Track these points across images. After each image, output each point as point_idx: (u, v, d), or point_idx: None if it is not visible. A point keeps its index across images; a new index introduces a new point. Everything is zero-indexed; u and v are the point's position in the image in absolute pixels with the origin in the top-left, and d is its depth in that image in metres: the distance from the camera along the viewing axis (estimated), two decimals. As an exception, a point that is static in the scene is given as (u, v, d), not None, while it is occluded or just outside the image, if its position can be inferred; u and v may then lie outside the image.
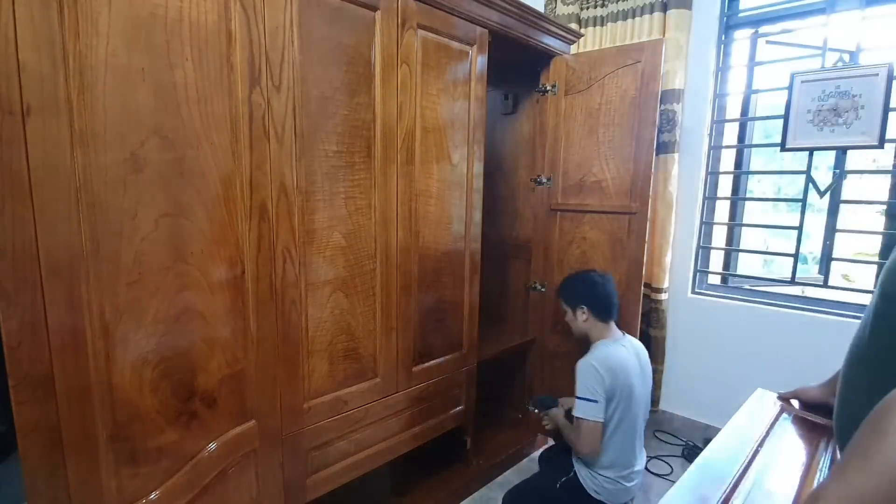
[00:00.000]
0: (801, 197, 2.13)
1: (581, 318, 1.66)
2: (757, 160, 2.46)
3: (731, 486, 0.76)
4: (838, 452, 0.71)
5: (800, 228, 2.11)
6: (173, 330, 1.06)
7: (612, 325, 1.66)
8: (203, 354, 1.12)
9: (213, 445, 1.15)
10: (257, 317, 1.21)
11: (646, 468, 2.23)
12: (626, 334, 1.69)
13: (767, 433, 0.92)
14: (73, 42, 0.86)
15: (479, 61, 1.73)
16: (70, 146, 0.87)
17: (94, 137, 0.90)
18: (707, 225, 2.46)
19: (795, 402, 1.05)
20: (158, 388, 1.05)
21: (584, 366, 1.55)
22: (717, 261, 2.54)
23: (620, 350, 1.58)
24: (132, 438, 1.02)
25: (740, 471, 0.80)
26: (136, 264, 0.98)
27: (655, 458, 2.32)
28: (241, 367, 1.19)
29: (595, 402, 1.49)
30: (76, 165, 0.88)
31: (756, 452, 0.85)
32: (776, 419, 0.98)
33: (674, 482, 0.93)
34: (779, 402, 1.05)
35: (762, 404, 1.06)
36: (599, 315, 1.64)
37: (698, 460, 0.85)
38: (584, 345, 1.69)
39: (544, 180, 2.19)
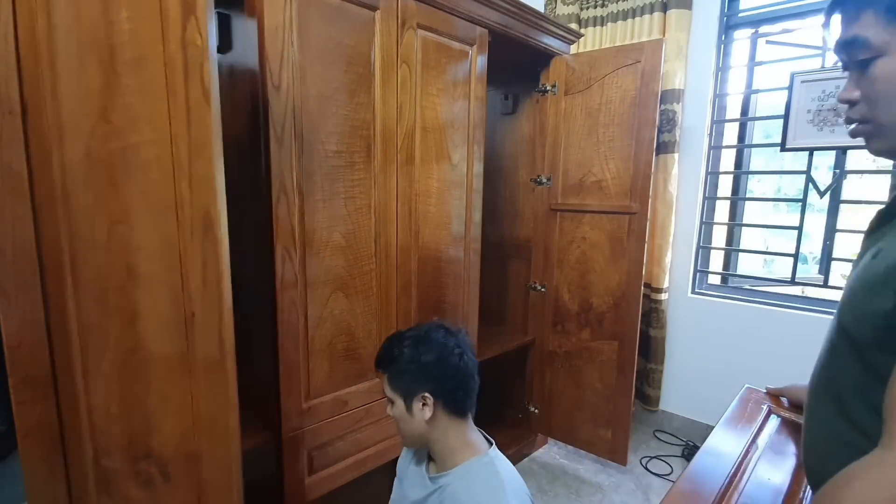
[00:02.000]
0: (801, 197, 2.13)
1: (420, 415, 0.98)
2: (757, 160, 2.46)
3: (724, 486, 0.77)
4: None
5: (800, 228, 2.11)
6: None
7: (470, 421, 1.04)
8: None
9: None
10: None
11: (645, 468, 2.23)
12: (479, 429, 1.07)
13: (755, 439, 0.92)
14: (46, 26, 0.80)
15: (479, 61, 1.73)
16: (50, 143, 0.84)
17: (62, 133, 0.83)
18: (707, 225, 2.46)
19: (785, 401, 1.05)
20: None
21: None
22: (717, 261, 2.54)
23: (505, 463, 1.01)
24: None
25: (732, 473, 0.81)
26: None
27: (655, 458, 2.32)
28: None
29: None
30: (55, 163, 0.84)
31: (744, 464, 0.85)
32: (764, 422, 0.98)
33: (674, 482, 0.94)
34: (766, 403, 1.05)
35: (751, 405, 1.05)
36: (456, 405, 1.00)
37: (691, 466, 0.86)
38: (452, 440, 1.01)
39: (544, 180, 2.19)
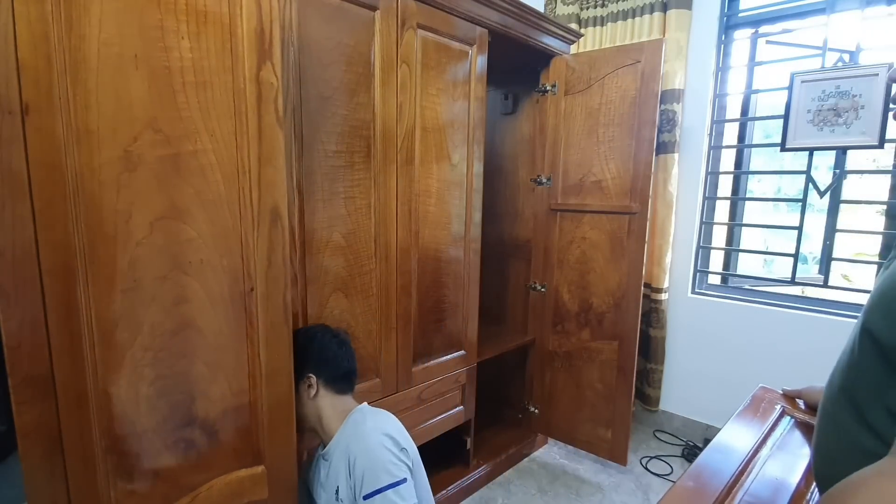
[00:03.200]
0: (801, 197, 2.13)
1: (307, 394, 1.18)
2: (757, 160, 2.46)
3: (727, 487, 0.76)
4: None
5: (800, 228, 2.11)
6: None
7: (351, 398, 1.24)
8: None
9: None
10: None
11: (645, 468, 2.23)
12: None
13: (765, 438, 0.91)
14: (67, 34, 0.82)
15: (479, 61, 1.73)
16: (63, 145, 0.84)
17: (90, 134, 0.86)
18: (707, 225, 2.46)
19: (801, 403, 1.02)
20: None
21: (369, 443, 1.10)
22: (717, 261, 2.54)
23: (378, 412, 1.21)
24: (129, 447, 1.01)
25: (739, 470, 0.80)
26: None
27: (655, 458, 2.32)
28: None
29: (404, 480, 1.07)
30: (70, 165, 0.85)
31: (752, 463, 0.84)
32: (777, 422, 0.96)
33: (674, 482, 0.93)
34: (780, 403, 1.02)
35: (764, 404, 1.02)
36: (335, 384, 1.20)
37: (698, 461, 0.85)
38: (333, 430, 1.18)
39: (544, 180, 2.19)
